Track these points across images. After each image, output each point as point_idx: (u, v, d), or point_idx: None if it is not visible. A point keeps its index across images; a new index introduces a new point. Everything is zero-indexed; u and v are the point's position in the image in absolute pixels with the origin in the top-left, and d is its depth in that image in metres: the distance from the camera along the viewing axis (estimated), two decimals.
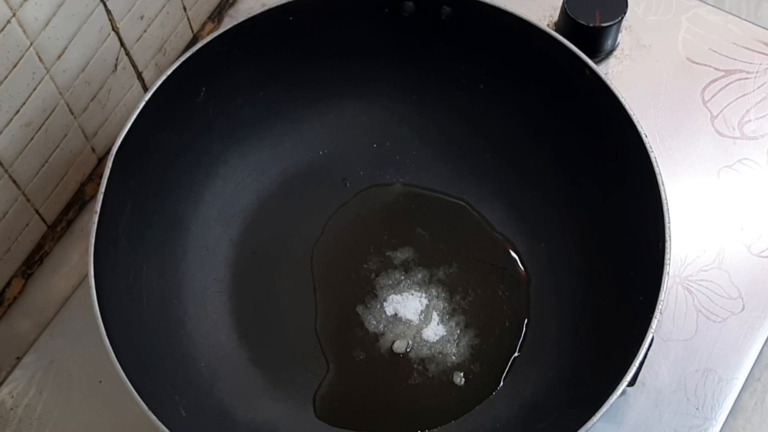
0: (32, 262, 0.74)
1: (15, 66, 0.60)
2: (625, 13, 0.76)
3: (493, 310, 0.71)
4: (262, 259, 0.72)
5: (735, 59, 0.79)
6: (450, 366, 0.69)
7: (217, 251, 0.72)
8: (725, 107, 0.77)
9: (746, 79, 0.78)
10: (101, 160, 0.76)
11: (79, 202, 0.76)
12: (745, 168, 0.76)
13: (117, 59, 0.71)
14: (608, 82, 0.64)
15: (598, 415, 0.56)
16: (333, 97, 0.74)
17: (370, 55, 0.71)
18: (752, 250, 0.73)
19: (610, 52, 0.79)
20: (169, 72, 0.64)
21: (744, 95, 0.78)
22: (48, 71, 0.64)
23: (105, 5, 0.66)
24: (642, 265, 0.62)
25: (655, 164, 0.61)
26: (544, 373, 0.67)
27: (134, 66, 0.73)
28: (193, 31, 0.80)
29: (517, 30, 0.66)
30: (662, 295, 0.58)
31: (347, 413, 0.68)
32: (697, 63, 0.79)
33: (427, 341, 0.70)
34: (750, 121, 0.77)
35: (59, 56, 0.64)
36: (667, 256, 0.59)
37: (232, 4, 0.83)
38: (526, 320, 0.70)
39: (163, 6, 0.73)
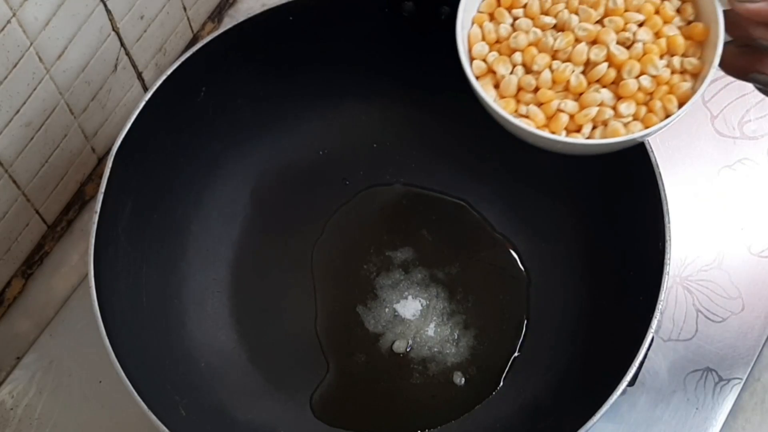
0: (32, 262, 0.74)
1: (15, 66, 0.60)
2: None
3: (493, 310, 0.71)
4: (262, 259, 0.72)
5: None
6: (450, 366, 0.69)
7: (217, 251, 0.72)
8: (725, 107, 0.77)
9: None
10: (101, 160, 0.76)
11: (79, 202, 0.76)
12: (745, 168, 0.76)
13: (117, 59, 0.71)
14: None
15: (598, 415, 0.56)
16: (333, 97, 0.74)
17: (370, 54, 0.71)
18: (752, 250, 0.73)
19: None
20: (169, 72, 0.64)
21: (744, 95, 0.78)
22: (48, 71, 0.64)
23: (105, 5, 0.66)
24: (642, 265, 0.62)
25: (655, 164, 0.61)
26: (544, 373, 0.67)
27: (134, 66, 0.73)
28: (193, 31, 0.80)
29: None
30: (662, 295, 0.58)
31: (347, 413, 0.68)
32: None
33: (427, 341, 0.70)
34: (750, 121, 0.77)
35: (59, 56, 0.64)
36: (667, 256, 0.59)
37: (232, 4, 0.83)
38: (526, 320, 0.70)
39: (163, 6, 0.73)
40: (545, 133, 0.53)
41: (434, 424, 0.67)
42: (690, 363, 0.70)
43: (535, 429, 0.64)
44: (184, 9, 0.77)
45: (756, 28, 0.49)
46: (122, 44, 0.70)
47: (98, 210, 0.61)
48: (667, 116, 0.52)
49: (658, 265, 0.59)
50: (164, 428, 0.56)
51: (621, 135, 0.52)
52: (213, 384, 0.67)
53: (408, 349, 0.70)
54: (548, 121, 0.53)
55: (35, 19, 0.60)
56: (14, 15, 0.58)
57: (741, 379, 0.69)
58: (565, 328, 0.68)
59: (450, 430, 0.67)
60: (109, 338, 0.58)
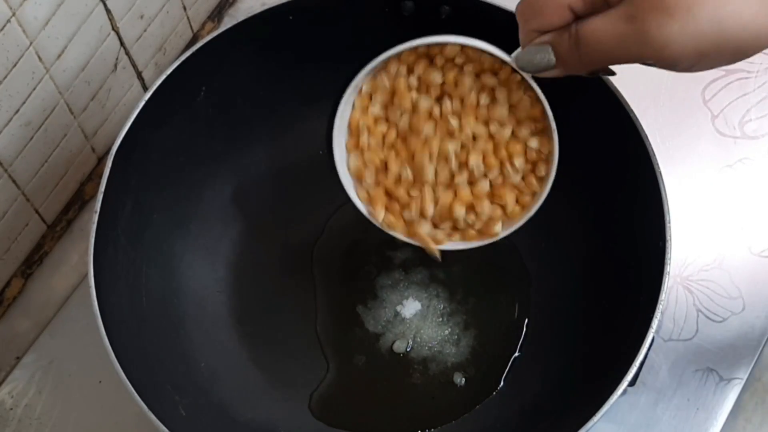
0: (32, 262, 0.74)
1: (14, 65, 0.60)
2: None
3: (493, 310, 0.71)
4: (262, 259, 0.72)
5: None
6: (450, 366, 0.69)
7: (217, 251, 0.72)
8: (726, 107, 0.77)
9: (747, 78, 0.78)
10: (101, 160, 0.76)
11: (78, 201, 0.76)
12: (746, 168, 0.76)
13: (117, 59, 0.71)
14: (609, 81, 0.63)
15: (599, 415, 0.56)
16: (333, 96, 0.73)
17: (370, 54, 0.71)
18: (753, 250, 0.73)
19: None
20: (168, 71, 0.64)
21: (745, 95, 0.78)
22: (48, 71, 0.64)
23: (105, 4, 0.66)
24: (643, 265, 0.62)
25: (655, 164, 0.61)
26: (544, 373, 0.67)
27: (134, 65, 0.73)
28: (192, 30, 0.80)
29: (517, 29, 0.66)
30: (663, 295, 0.58)
31: (347, 413, 0.68)
32: None
33: (427, 341, 0.70)
34: (751, 120, 0.77)
35: (59, 56, 0.64)
36: (667, 256, 0.59)
37: (232, 4, 0.83)
38: (526, 320, 0.70)
39: (163, 5, 0.73)
40: (418, 243, 0.62)
41: (434, 424, 0.67)
42: (690, 363, 0.69)
43: (535, 429, 0.64)
44: (184, 8, 0.77)
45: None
46: (122, 44, 0.70)
47: (98, 210, 0.61)
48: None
49: (658, 264, 0.59)
50: (164, 428, 0.56)
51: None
52: (213, 384, 0.67)
53: (408, 349, 0.70)
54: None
55: (35, 18, 0.60)
56: (14, 14, 0.58)
57: (742, 379, 0.69)
58: (565, 328, 0.68)
59: (450, 430, 0.67)
60: (109, 338, 0.58)
